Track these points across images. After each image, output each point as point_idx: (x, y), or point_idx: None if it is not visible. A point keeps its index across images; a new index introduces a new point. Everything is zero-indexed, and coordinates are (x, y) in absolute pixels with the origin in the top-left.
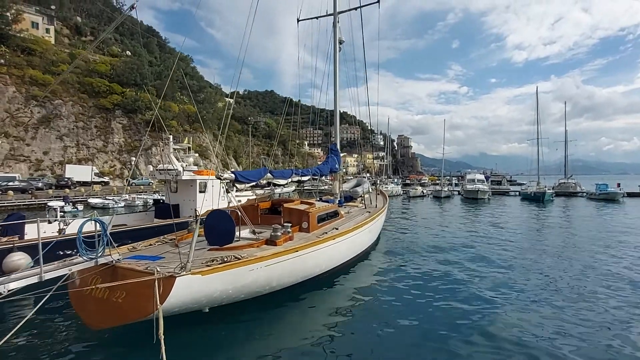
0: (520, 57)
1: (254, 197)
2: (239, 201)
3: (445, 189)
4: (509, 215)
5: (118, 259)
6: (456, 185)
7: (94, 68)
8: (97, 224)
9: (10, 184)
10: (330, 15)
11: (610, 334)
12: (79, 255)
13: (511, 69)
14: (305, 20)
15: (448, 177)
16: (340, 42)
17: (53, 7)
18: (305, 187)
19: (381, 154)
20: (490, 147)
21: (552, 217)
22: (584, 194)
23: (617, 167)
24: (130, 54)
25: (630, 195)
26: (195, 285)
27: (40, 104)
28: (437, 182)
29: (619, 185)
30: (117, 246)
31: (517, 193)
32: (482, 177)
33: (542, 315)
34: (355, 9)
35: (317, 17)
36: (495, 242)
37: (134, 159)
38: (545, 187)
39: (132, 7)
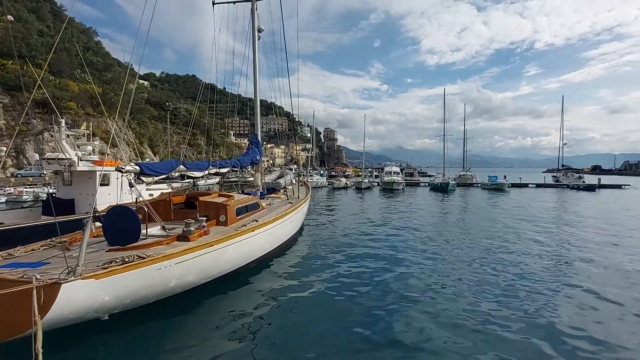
0: (432, 60)
1: (170, 190)
2: (151, 195)
3: (366, 181)
4: (418, 203)
5: None
6: (376, 177)
7: None
8: None
9: None
10: (248, 0)
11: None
12: None
13: (425, 71)
14: (221, 3)
15: (370, 170)
16: (259, 31)
17: None
18: (228, 180)
19: (308, 145)
20: (407, 141)
21: (453, 204)
22: (479, 185)
23: (506, 161)
24: (12, 19)
25: (514, 185)
26: (88, 292)
27: None
28: (360, 173)
29: (505, 177)
30: None
31: (427, 184)
32: (397, 169)
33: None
34: None
35: (234, 2)
36: (407, 230)
37: (3, 148)
38: (449, 178)
39: None
